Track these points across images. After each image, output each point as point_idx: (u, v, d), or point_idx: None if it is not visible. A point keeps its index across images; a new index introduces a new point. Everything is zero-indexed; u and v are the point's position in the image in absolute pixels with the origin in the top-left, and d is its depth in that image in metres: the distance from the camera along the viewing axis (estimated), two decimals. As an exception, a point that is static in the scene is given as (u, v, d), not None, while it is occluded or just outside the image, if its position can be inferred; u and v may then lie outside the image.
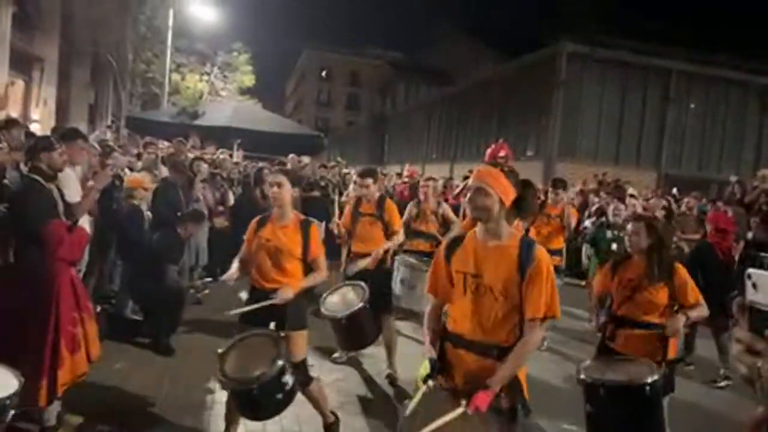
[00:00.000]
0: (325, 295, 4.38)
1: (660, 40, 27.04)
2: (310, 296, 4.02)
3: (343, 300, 4.31)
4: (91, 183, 4.27)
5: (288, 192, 3.47)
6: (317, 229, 3.52)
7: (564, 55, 23.66)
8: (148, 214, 5.84)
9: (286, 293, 3.32)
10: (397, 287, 5.07)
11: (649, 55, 24.91)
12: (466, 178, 13.36)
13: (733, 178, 10.53)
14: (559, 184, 6.63)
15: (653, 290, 3.51)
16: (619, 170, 19.34)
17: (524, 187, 2.37)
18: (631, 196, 11.72)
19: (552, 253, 5.86)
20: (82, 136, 4.97)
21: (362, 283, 4.35)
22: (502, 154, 8.79)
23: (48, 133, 7.39)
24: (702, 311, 3.50)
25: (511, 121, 27.78)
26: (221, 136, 13.15)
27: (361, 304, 4.13)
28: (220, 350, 3.15)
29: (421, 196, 6.27)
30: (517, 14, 52.33)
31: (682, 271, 3.56)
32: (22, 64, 12.49)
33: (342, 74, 60.62)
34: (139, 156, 8.76)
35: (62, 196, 3.62)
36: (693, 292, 3.51)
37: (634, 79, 24.76)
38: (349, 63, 59.82)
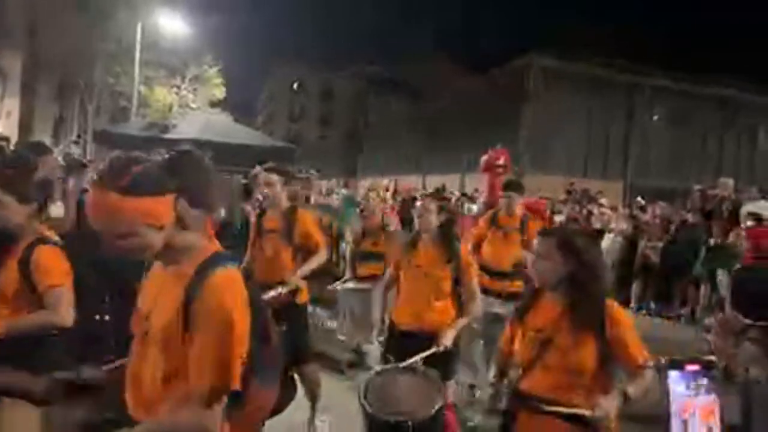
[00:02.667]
0: None
1: (626, 55, 27.78)
2: None
3: None
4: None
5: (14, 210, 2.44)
6: (54, 252, 2.51)
7: (533, 69, 24.17)
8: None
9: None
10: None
11: (615, 69, 25.62)
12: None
13: (696, 187, 10.85)
14: (511, 186, 5.14)
15: (572, 347, 2.17)
16: (587, 181, 19.72)
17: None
18: (601, 205, 11.97)
19: (508, 276, 4.84)
20: (50, 151, 4.89)
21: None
22: (500, 161, 8.01)
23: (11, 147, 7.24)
24: (646, 380, 2.09)
25: (482, 134, 28.12)
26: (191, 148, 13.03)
27: None
28: None
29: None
30: (489, 29, 53.32)
31: (619, 313, 2.24)
32: (-16, 76, 12.25)
33: (314, 88, 60.67)
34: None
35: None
36: (639, 349, 2.19)
37: (602, 92, 25.42)
38: (322, 76, 59.92)
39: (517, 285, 4.69)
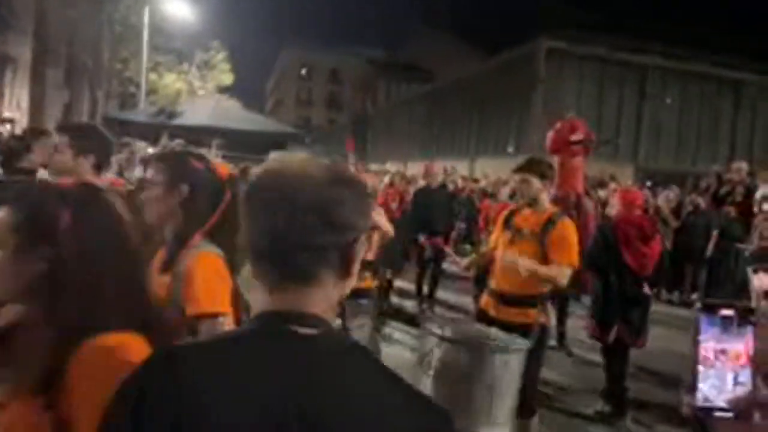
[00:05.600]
0: None
1: (637, 36, 27.40)
2: None
3: None
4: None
5: None
6: None
7: (543, 52, 23.89)
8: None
9: None
10: None
11: (626, 51, 25.26)
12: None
13: (713, 167, 10.67)
14: (528, 166, 3.49)
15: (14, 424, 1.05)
16: (597, 165, 19.54)
17: None
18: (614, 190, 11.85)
19: (528, 303, 3.30)
20: (48, 134, 4.92)
21: None
22: (576, 137, 5.80)
23: (19, 133, 7.27)
24: None
25: (491, 117, 27.96)
26: (200, 135, 13.04)
27: None
28: None
29: None
30: (497, 11, 52.64)
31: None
32: (-6, 64, 12.29)
33: (322, 72, 60.46)
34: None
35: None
36: None
37: (612, 74, 25.11)
38: (330, 61, 59.67)
39: (527, 314, 3.30)
